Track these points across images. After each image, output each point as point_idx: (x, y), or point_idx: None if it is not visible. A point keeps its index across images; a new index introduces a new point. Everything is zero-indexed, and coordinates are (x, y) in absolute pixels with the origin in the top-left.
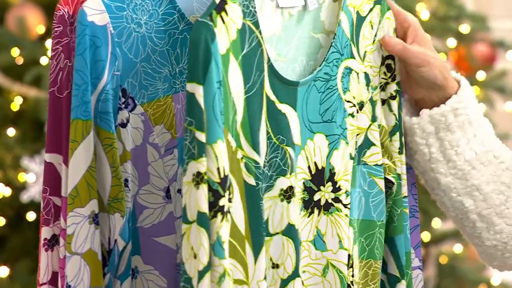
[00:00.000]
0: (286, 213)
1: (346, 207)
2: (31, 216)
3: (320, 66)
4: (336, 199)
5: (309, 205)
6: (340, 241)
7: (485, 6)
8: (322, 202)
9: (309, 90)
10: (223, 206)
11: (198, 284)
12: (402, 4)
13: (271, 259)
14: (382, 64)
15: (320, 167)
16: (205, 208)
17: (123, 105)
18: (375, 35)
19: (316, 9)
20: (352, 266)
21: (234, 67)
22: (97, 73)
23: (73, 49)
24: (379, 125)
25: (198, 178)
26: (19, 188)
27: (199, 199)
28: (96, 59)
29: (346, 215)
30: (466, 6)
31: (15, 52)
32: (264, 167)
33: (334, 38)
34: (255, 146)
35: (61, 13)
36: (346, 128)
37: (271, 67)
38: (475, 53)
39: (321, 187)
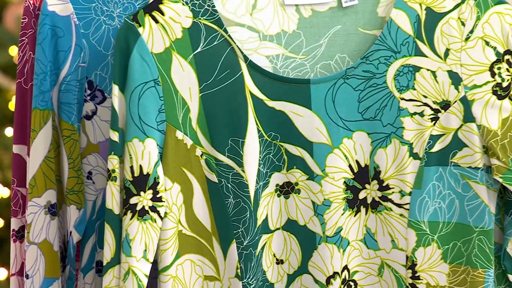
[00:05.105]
0: (285, 208)
1: (401, 207)
2: None
3: (353, 63)
4: (384, 198)
5: (355, 203)
6: (393, 240)
7: None
8: (369, 200)
9: (335, 88)
10: (134, 205)
11: (102, 278)
12: None
13: (274, 255)
14: (497, 61)
15: (363, 165)
16: (110, 205)
17: (88, 97)
18: (471, 32)
19: (368, 5)
20: (412, 268)
21: (179, 65)
22: (58, 63)
23: None
24: (479, 126)
25: (107, 175)
26: None
27: (107, 196)
28: (57, 49)
29: (402, 215)
30: None
31: (13, 50)
32: (259, 165)
33: (379, 36)
34: (215, 143)
35: (26, 5)
36: (401, 127)
37: (252, 65)
38: None
39: (366, 185)
